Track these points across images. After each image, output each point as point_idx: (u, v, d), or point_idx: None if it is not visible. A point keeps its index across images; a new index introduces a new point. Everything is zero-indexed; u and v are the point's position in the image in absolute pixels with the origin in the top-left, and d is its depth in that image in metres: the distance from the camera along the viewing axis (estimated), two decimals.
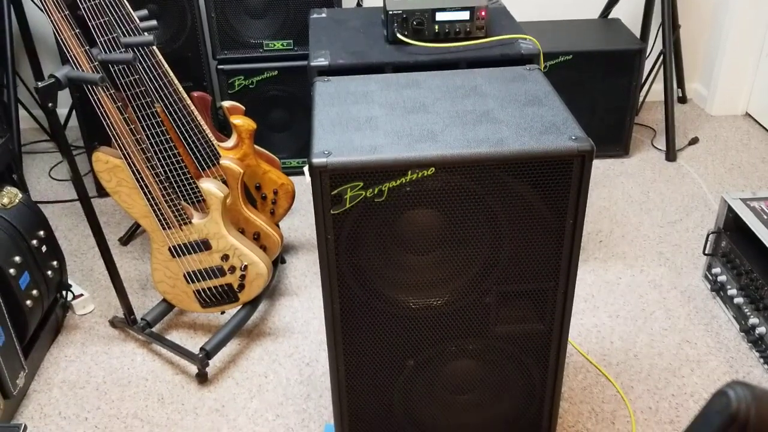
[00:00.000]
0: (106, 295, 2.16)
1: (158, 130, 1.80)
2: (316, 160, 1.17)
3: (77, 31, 1.63)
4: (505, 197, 1.23)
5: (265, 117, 2.69)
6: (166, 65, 1.93)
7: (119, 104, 1.69)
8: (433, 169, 1.19)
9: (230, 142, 2.09)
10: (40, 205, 2.63)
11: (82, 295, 2.10)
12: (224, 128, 2.16)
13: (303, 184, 2.65)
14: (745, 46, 3.02)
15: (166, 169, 1.84)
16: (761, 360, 1.85)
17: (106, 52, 1.71)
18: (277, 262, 2.22)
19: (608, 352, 1.92)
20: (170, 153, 1.83)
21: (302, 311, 2.09)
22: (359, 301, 1.32)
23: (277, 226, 2.19)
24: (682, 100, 3.30)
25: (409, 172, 1.19)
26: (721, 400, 0.50)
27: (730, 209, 2.00)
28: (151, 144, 1.81)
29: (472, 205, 1.24)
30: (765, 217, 1.91)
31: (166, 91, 1.94)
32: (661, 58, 2.83)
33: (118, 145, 1.72)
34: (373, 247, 1.26)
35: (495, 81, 1.44)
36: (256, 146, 2.16)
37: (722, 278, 2.04)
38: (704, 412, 0.51)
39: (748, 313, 1.91)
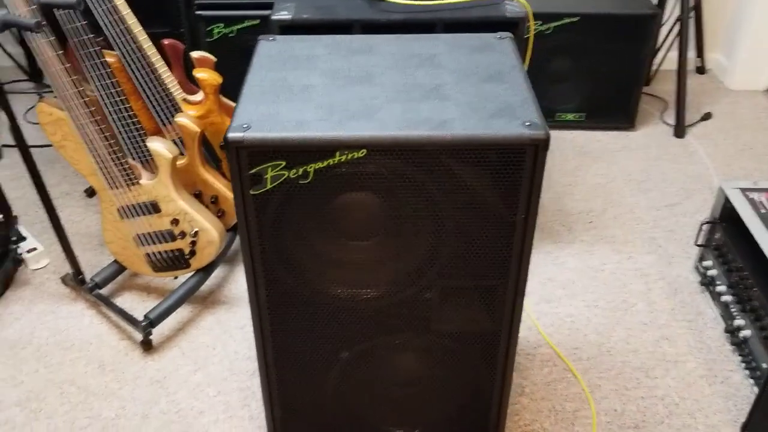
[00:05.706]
0: None
1: (107, 82, 1.67)
2: (231, 134, 1.04)
3: None
4: (449, 185, 1.09)
5: (245, 69, 2.53)
6: (124, 10, 1.79)
7: (60, 53, 1.56)
8: (365, 151, 1.05)
9: (199, 96, 1.96)
10: (10, 149, 2.54)
11: (36, 248, 2.02)
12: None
13: None
14: None
15: (115, 124, 1.72)
16: (743, 365, 1.72)
17: None
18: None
19: (580, 345, 1.80)
20: (120, 107, 1.70)
21: None
22: (287, 289, 1.20)
23: None
24: (701, 70, 3.07)
25: (338, 153, 1.06)
26: None
27: (727, 199, 1.84)
28: (100, 97, 1.69)
29: (411, 192, 1.10)
30: (763, 211, 1.75)
31: (123, 39, 1.80)
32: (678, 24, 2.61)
33: (60, 96, 1.60)
34: (301, 232, 1.14)
35: (457, 50, 1.28)
36: (227, 101, 2.02)
37: (713, 272, 1.89)
38: None
39: (735, 313, 1.77)
